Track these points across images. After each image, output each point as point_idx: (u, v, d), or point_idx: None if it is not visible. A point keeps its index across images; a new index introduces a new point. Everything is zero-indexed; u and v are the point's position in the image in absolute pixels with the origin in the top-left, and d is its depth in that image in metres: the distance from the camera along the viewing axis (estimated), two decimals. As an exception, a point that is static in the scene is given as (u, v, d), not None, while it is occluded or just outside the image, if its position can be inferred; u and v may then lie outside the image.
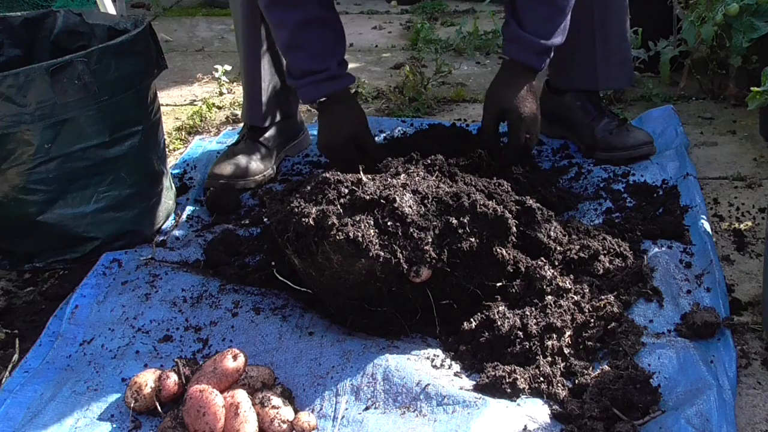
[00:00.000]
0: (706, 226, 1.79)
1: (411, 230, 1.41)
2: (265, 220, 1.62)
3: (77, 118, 1.69)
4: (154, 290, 1.65)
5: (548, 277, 1.52)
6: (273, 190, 2.05)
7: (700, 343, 1.44)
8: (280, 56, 2.18)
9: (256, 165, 2.17)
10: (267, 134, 2.22)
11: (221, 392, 1.29)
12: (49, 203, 1.73)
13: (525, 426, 1.27)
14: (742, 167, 2.16)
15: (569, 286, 1.52)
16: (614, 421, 1.27)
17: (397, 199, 1.43)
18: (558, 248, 1.63)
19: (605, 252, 1.66)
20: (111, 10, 2.92)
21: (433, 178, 1.59)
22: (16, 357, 1.53)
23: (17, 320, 1.65)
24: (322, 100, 1.91)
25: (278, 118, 2.24)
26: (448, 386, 1.34)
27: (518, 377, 1.36)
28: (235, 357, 1.34)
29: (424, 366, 1.41)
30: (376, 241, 1.39)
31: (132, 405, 1.34)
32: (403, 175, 1.58)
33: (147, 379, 1.36)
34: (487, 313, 1.47)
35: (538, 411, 1.32)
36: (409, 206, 1.44)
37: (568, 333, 1.45)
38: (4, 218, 1.76)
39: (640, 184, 2.01)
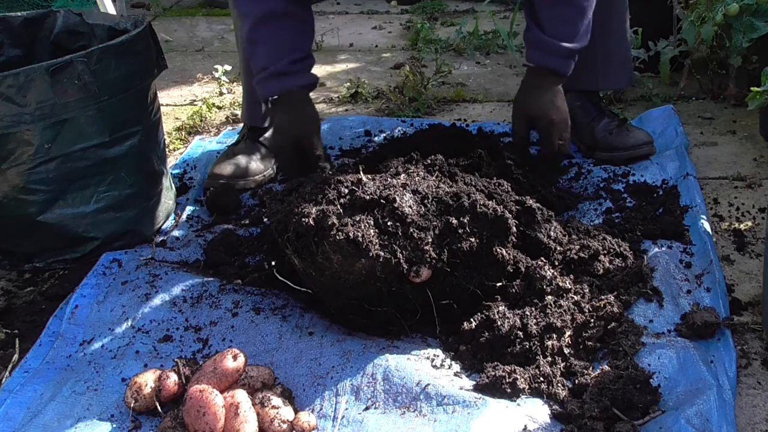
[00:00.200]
0: (706, 226, 1.79)
1: (411, 230, 1.41)
2: (265, 220, 1.62)
3: (77, 118, 1.69)
4: (154, 290, 1.65)
5: (548, 277, 1.52)
6: (273, 190, 2.06)
7: (700, 343, 1.44)
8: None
9: (256, 165, 2.17)
10: (267, 134, 2.22)
11: (221, 392, 1.29)
12: (49, 203, 1.74)
13: (525, 426, 1.27)
14: (742, 167, 2.16)
15: (569, 286, 1.52)
16: (614, 421, 1.27)
17: (397, 199, 1.43)
18: (558, 248, 1.63)
19: (605, 252, 1.66)
20: (111, 10, 2.92)
21: (433, 178, 1.59)
22: (16, 357, 1.53)
23: (17, 320, 1.65)
24: (274, 98, 1.83)
25: (278, 117, 2.25)
26: (448, 386, 1.34)
27: (518, 377, 1.36)
28: (235, 357, 1.34)
29: (424, 366, 1.41)
30: (376, 241, 1.39)
31: (132, 405, 1.34)
32: (403, 175, 1.58)
33: (147, 379, 1.36)
34: (487, 313, 1.47)
35: (538, 411, 1.32)
36: (409, 206, 1.44)
37: (568, 333, 1.45)
38: (4, 218, 1.77)
39: (640, 184, 2.01)
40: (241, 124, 2.36)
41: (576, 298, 1.51)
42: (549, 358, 1.41)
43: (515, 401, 1.34)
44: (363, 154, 2.18)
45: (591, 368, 1.40)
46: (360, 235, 1.38)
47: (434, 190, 1.50)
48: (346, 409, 1.33)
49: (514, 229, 1.50)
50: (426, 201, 1.47)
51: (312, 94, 1.91)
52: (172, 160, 2.34)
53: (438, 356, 1.45)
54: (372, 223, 1.41)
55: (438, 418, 1.29)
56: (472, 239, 1.44)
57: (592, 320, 1.48)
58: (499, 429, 1.26)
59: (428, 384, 1.34)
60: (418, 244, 1.40)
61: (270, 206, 1.60)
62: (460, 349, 1.46)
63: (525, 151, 1.93)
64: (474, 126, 2.36)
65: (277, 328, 1.52)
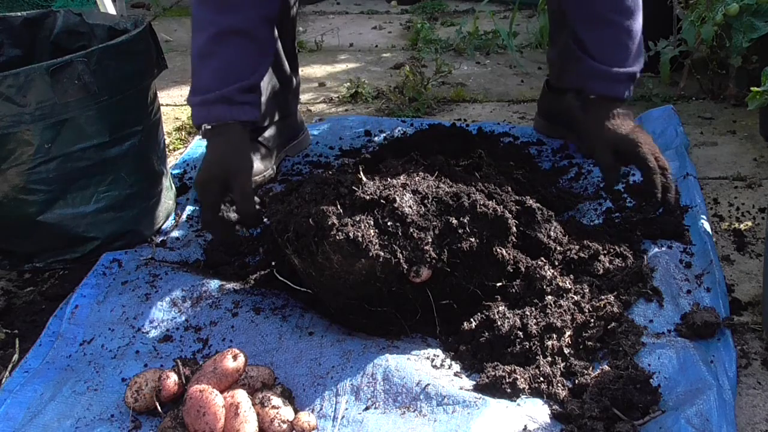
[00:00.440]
0: (706, 226, 1.79)
1: (411, 230, 1.41)
2: (265, 220, 1.62)
3: (77, 118, 1.69)
4: (154, 290, 1.65)
5: (548, 277, 1.52)
6: (273, 190, 2.05)
7: (700, 343, 1.44)
8: (279, 56, 2.18)
9: (256, 165, 2.16)
10: (267, 134, 2.22)
11: (221, 392, 1.29)
12: (49, 203, 1.74)
13: (525, 426, 1.27)
14: (742, 167, 2.16)
15: (569, 286, 1.52)
16: (614, 421, 1.27)
17: (397, 199, 1.43)
18: (558, 248, 1.63)
19: (605, 252, 1.66)
20: (111, 10, 2.92)
21: (433, 178, 1.59)
22: (16, 357, 1.53)
23: (17, 320, 1.65)
24: (207, 128, 1.66)
25: (277, 117, 2.24)
26: (448, 386, 1.34)
27: (518, 377, 1.36)
28: (235, 357, 1.34)
29: (424, 366, 1.41)
30: (376, 241, 1.39)
31: (132, 405, 1.34)
32: (403, 175, 1.58)
33: (147, 379, 1.36)
34: (487, 313, 1.47)
35: (538, 411, 1.32)
36: (409, 206, 1.44)
37: (568, 333, 1.45)
38: (4, 218, 1.76)
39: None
40: (241, 124, 2.35)
41: (576, 298, 1.51)
42: (549, 358, 1.41)
43: (515, 401, 1.34)
44: (363, 154, 2.18)
45: (591, 368, 1.40)
46: (360, 235, 1.38)
47: (434, 190, 1.50)
48: (346, 409, 1.33)
49: (514, 229, 1.50)
50: (426, 201, 1.47)
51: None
52: (172, 160, 2.34)
53: (438, 356, 1.45)
54: (372, 223, 1.41)
55: (438, 418, 1.29)
56: (472, 239, 1.44)
57: (592, 320, 1.48)
58: (499, 429, 1.26)
59: (428, 384, 1.34)
60: (418, 244, 1.40)
61: (270, 206, 1.60)
62: (460, 349, 1.46)
63: (619, 180, 1.82)
64: (474, 126, 2.37)
65: (277, 328, 1.52)
